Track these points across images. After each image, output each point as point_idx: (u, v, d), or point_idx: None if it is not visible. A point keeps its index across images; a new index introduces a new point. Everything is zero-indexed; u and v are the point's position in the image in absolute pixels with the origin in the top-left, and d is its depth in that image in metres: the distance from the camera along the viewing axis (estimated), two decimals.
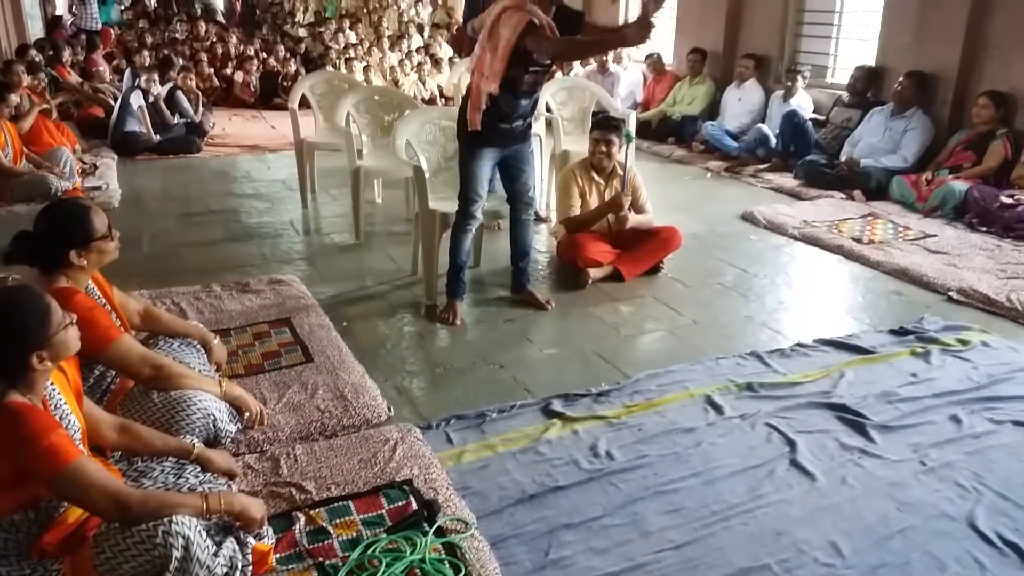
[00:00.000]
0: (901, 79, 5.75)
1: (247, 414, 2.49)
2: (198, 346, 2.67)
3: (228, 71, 10.22)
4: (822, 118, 6.54)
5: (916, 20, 5.76)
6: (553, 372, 3.12)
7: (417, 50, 10.43)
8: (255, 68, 10.17)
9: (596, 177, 4.17)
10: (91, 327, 2.12)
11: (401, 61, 10.17)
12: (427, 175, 3.81)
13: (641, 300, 3.88)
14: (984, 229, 4.76)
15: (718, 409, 2.80)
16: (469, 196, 3.43)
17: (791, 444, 2.57)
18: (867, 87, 6.21)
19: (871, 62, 6.27)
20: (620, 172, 4.08)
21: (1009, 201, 4.78)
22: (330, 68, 9.71)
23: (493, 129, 3.32)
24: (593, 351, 3.32)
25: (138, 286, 3.82)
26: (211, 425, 2.33)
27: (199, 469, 2.09)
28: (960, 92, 5.59)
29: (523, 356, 3.26)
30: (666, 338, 3.49)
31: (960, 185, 5.08)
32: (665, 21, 8.68)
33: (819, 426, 2.69)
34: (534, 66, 3.25)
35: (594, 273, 4.03)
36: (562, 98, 5.73)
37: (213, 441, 2.35)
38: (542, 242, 4.70)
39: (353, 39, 11.46)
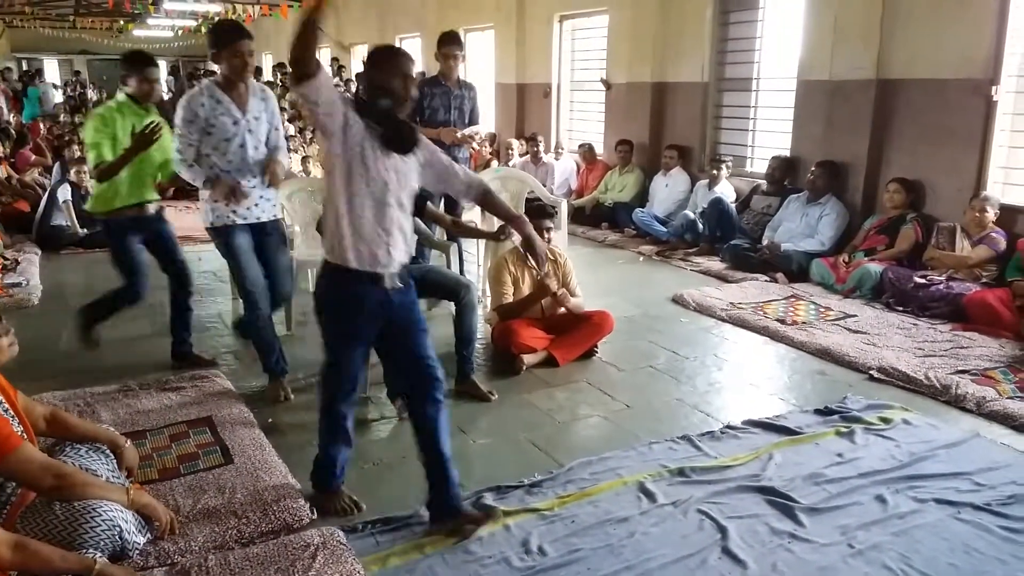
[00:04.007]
0: (813, 168, 6.09)
1: (156, 523, 2.35)
2: (107, 451, 2.54)
3: None
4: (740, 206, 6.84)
5: (825, 114, 6.15)
6: (486, 463, 3.06)
7: None
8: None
9: (529, 263, 4.23)
10: None
11: None
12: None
13: (575, 385, 3.89)
14: (901, 308, 4.97)
15: (651, 497, 2.78)
16: None
17: (722, 531, 2.55)
18: (784, 176, 6.55)
19: (786, 152, 6.63)
20: (551, 257, 4.17)
21: (923, 281, 5.01)
22: None
23: None
24: (527, 439, 3.28)
25: (52, 387, 3.65)
26: (117, 537, 2.19)
27: None
28: (870, 180, 5.94)
29: (456, 447, 3.15)
30: (600, 424, 3.48)
31: (876, 267, 5.32)
32: (595, 114, 9.09)
33: (750, 511, 2.69)
34: None
35: (528, 359, 4.04)
36: (496, 187, 5.78)
37: (120, 554, 2.21)
38: (477, 329, 4.69)
39: (292, 131, 11.58)
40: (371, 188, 2.42)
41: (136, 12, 17.99)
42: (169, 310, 4.12)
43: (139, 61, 3.72)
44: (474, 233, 4.70)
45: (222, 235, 3.52)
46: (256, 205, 3.53)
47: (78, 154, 8.91)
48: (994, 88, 5.11)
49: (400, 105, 2.48)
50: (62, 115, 14.02)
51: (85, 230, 6.99)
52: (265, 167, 3.50)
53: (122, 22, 19.90)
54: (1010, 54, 5.09)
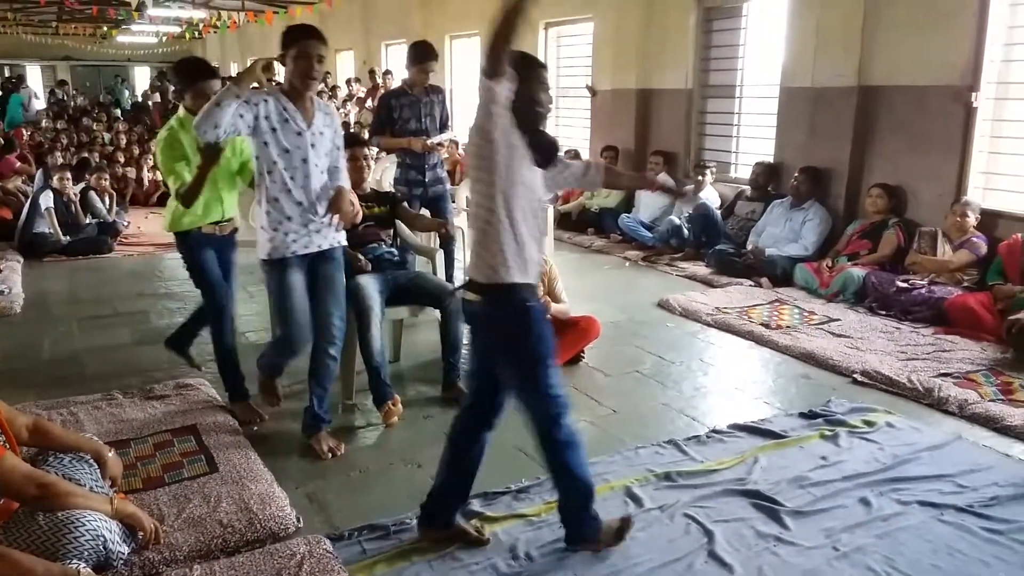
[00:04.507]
0: (796, 174, 6.14)
1: (141, 533, 2.34)
2: (91, 461, 2.52)
3: (144, 170, 10.09)
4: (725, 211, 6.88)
5: (808, 120, 6.21)
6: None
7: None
8: (148, 165, 10.03)
9: None
10: None
11: None
12: None
13: None
14: (883, 312, 5.01)
15: (637, 501, 2.79)
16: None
17: (709, 535, 2.57)
18: (767, 181, 6.60)
19: (770, 158, 6.68)
20: None
21: (905, 285, 5.06)
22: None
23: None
24: (514, 445, 3.27)
25: (35, 396, 3.63)
26: (101, 547, 2.17)
27: None
28: (853, 185, 5.99)
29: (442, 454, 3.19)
30: (587, 429, 3.48)
31: (859, 271, 5.37)
32: (580, 120, 9.12)
33: (736, 514, 2.70)
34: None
35: None
36: None
37: (104, 564, 2.19)
38: (463, 336, 4.69)
39: None
40: (530, 201, 2.29)
41: (120, 18, 17.92)
42: (188, 321, 4.00)
43: (194, 73, 3.31)
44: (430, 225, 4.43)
45: (278, 270, 3.04)
46: (318, 231, 3.07)
47: (60, 161, 8.87)
48: (974, 95, 5.18)
49: (546, 118, 2.38)
50: (44, 121, 13.91)
51: (68, 237, 6.94)
52: (331, 202, 3.03)
53: (105, 28, 19.78)
54: (989, 61, 5.16)
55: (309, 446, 3.20)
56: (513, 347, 2.34)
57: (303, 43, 2.90)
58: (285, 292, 3.03)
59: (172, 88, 15.62)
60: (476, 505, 2.72)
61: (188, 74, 3.30)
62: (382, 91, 11.94)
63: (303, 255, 3.05)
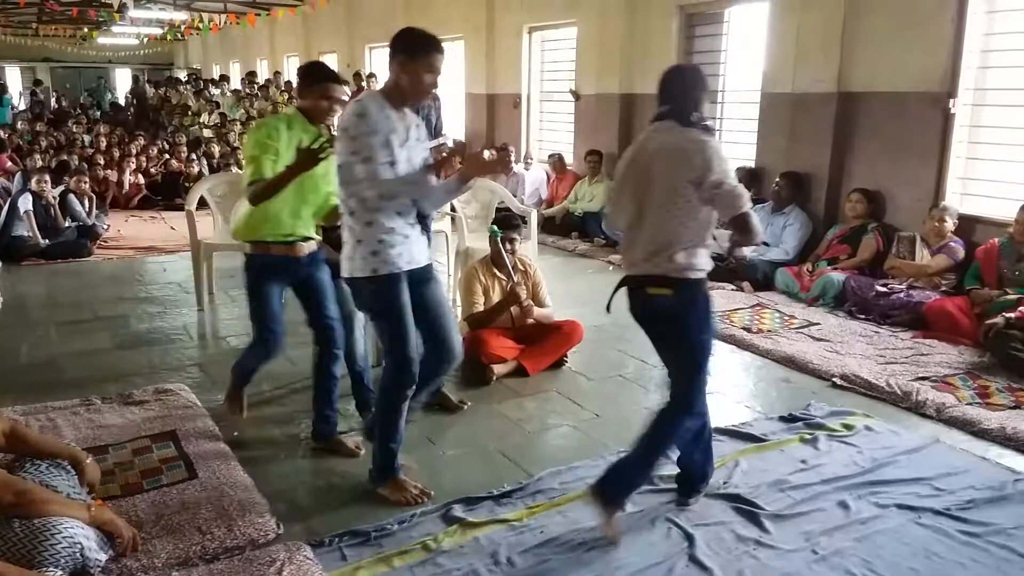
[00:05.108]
0: (777, 179, 6.20)
1: (119, 540, 2.31)
2: (68, 467, 2.50)
3: (126, 173, 10.01)
4: None
5: (789, 126, 6.26)
6: (455, 474, 3.06)
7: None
8: (130, 169, 9.96)
9: (499, 273, 4.24)
10: None
11: None
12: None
13: (545, 395, 3.90)
14: (863, 317, 5.06)
15: None
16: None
17: (689, 539, 2.58)
18: (748, 186, 6.59)
19: (751, 163, 6.74)
20: (521, 267, 4.19)
21: (884, 290, 5.12)
22: (235, 169, 9.65)
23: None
24: (497, 450, 3.28)
25: (12, 401, 3.58)
26: (78, 554, 2.15)
27: None
28: (833, 190, 6.05)
29: (425, 459, 3.19)
30: (570, 433, 3.49)
31: (838, 276, 5.42)
32: (564, 124, 9.15)
33: (716, 518, 2.72)
34: None
35: (498, 369, 4.04)
36: (465, 196, 5.85)
37: (81, 572, 2.17)
38: None
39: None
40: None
41: (101, 20, 17.76)
42: (313, 377, 3.26)
43: (322, 76, 3.05)
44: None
45: (388, 288, 2.66)
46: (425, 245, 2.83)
47: (40, 163, 8.77)
48: (951, 101, 5.25)
49: None
50: (19, 124, 13.74)
51: (47, 241, 6.87)
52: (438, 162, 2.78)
53: (86, 29, 19.60)
54: (966, 68, 5.23)
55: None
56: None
57: (434, 56, 2.66)
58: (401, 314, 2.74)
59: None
60: (458, 510, 2.72)
61: (314, 77, 3.06)
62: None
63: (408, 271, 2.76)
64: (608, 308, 2.74)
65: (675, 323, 2.61)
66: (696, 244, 2.55)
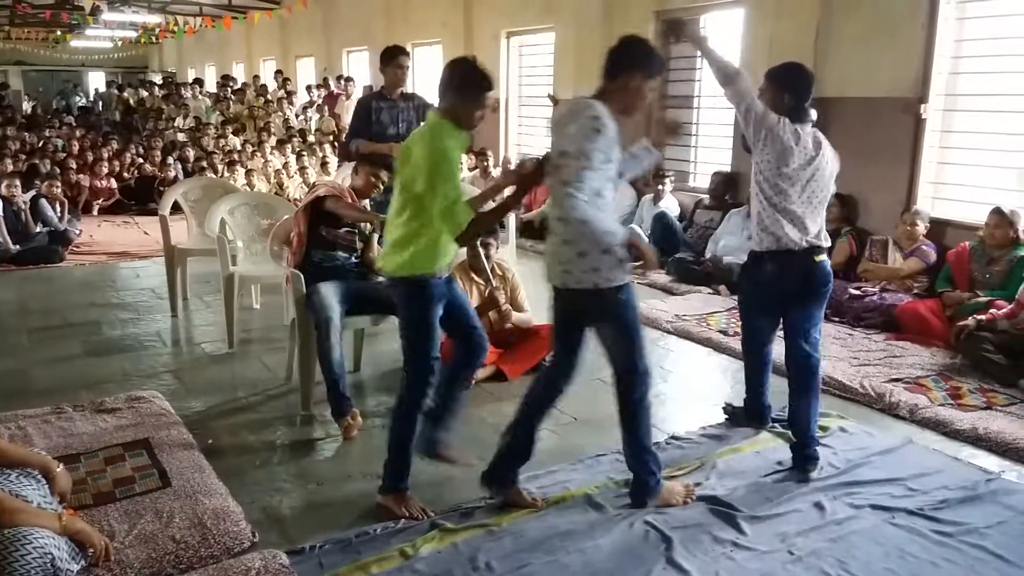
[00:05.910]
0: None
1: (91, 550, 2.27)
2: (39, 476, 2.45)
3: (99, 177, 9.87)
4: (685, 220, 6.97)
5: None
6: (434, 481, 3.04)
7: (300, 154, 10.46)
8: (105, 172, 9.83)
9: (477, 278, 4.23)
10: None
11: (285, 164, 10.16)
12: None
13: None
14: (836, 319, 5.11)
15: (598, 509, 2.80)
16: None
17: (667, 541, 2.59)
18: (725, 191, 6.70)
19: (727, 168, 6.79)
20: (499, 272, 4.18)
21: (857, 292, 5.18)
22: (210, 174, 9.57)
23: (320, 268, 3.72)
24: (476, 454, 3.26)
25: None
26: (49, 565, 2.12)
27: None
28: None
29: None
30: (548, 437, 3.48)
31: None
32: (543, 129, 9.17)
33: (694, 520, 2.73)
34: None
35: (478, 374, 4.02)
36: None
37: None
38: None
39: (237, 144, 11.40)
40: None
41: (74, 23, 17.54)
42: (444, 388, 2.93)
43: (477, 85, 2.80)
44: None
45: (627, 296, 2.73)
46: None
47: (10, 167, 8.63)
48: (923, 106, 5.34)
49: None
50: None
51: (17, 246, 6.76)
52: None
53: (59, 32, 19.34)
54: (937, 74, 5.32)
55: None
56: None
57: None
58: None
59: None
60: (436, 516, 2.71)
61: (470, 89, 2.80)
62: (344, 98, 11.89)
63: None
64: None
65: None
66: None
